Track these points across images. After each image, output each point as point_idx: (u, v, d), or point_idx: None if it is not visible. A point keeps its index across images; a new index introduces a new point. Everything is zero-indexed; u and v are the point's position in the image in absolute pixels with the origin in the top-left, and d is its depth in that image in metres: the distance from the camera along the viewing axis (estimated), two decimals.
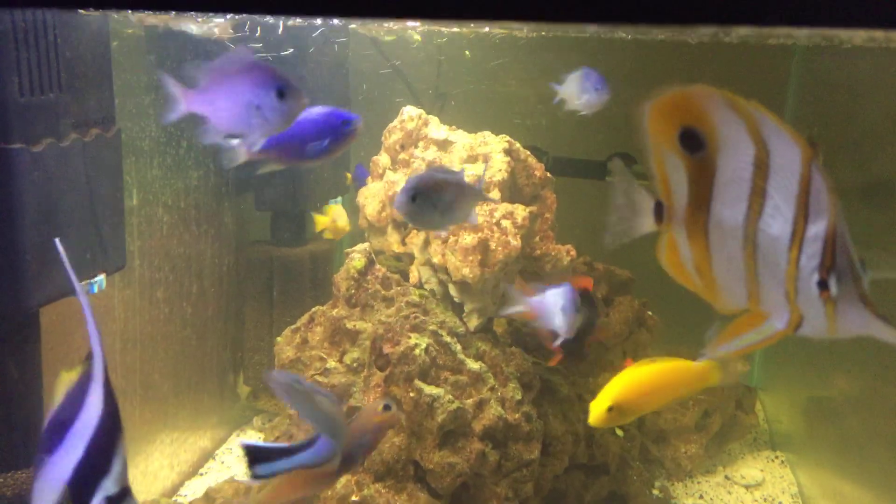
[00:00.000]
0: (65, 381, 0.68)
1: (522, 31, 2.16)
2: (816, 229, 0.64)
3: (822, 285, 0.64)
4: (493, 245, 1.56)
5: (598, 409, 1.24)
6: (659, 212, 0.74)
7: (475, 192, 1.23)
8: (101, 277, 1.19)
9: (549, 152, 2.59)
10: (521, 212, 1.64)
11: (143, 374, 1.65)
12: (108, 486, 0.64)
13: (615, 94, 2.88)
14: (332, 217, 2.04)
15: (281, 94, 0.97)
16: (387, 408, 1.10)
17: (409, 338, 1.46)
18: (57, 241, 0.74)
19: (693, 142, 0.69)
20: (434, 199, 1.11)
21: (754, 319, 0.71)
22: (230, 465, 1.95)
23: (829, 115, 2.28)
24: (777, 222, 0.66)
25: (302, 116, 1.08)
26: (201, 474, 1.89)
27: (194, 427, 1.92)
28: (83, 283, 1.16)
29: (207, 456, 1.97)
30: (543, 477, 1.72)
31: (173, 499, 1.71)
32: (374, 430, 1.09)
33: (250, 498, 1.23)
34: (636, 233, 0.76)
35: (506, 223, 1.61)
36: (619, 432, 2.02)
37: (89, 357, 0.67)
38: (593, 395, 2.02)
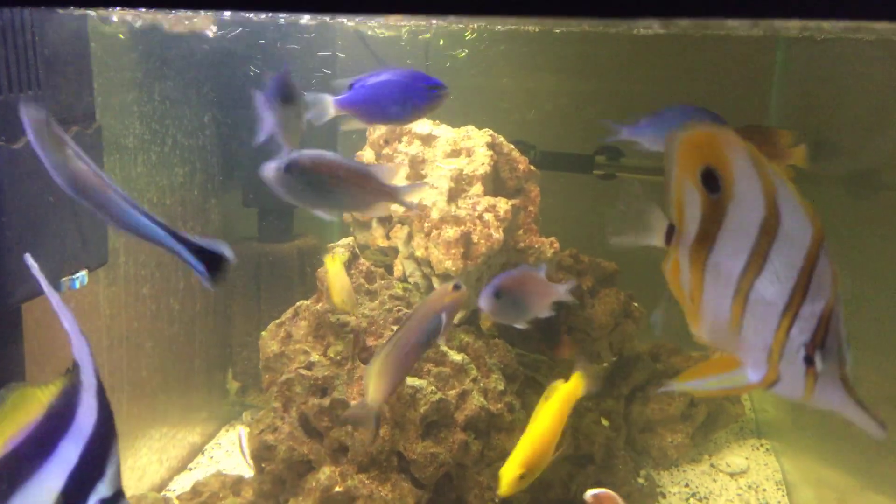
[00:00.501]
0: (38, 398, 0.67)
1: (503, 25, 2.17)
2: (814, 308, 0.67)
3: (809, 360, 0.67)
4: (475, 238, 1.58)
5: (508, 477, 1.23)
6: (670, 234, 0.78)
7: (549, 289, 1.23)
8: (83, 273, 1.20)
9: (536, 146, 2.61)
10: (503, 205, 1.65)
11: (130, 371, 1.66)
12: (101, 490, 0.65)
13: (605, 86, 2.90)
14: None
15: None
16: (456, 287, 1.17)
17: (392, 330, 1.47)
18: (27, 256, 0.73)
19: (712, 182, 0.72)
20: (515, 296, 1.16)
21: (727, 363, 0.74)
22: (219, 459, 1.96)
23: (813, 106, 2.30)
24: (773, 288, 0.69)
25: (388, 77, 1.16)
26: (190, 469, 1.91)
27: (183, 423, 1.93)
28: (65, 279, 1.17)
29: (196, 451, 1.98)
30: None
31: (162, 493, 1.73)
32: (449, 308, 1.16)
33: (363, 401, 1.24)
34: (642, 243, 0.81)
35: (488, 216, 1.62)
36: (605, 422, 2.04)
37: (73, 369, 0.66)
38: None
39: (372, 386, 1.13)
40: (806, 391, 0.68)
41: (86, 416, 0.65)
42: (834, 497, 1.71)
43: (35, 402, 0.66)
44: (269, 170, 1.06)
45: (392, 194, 1.12)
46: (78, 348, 0.66)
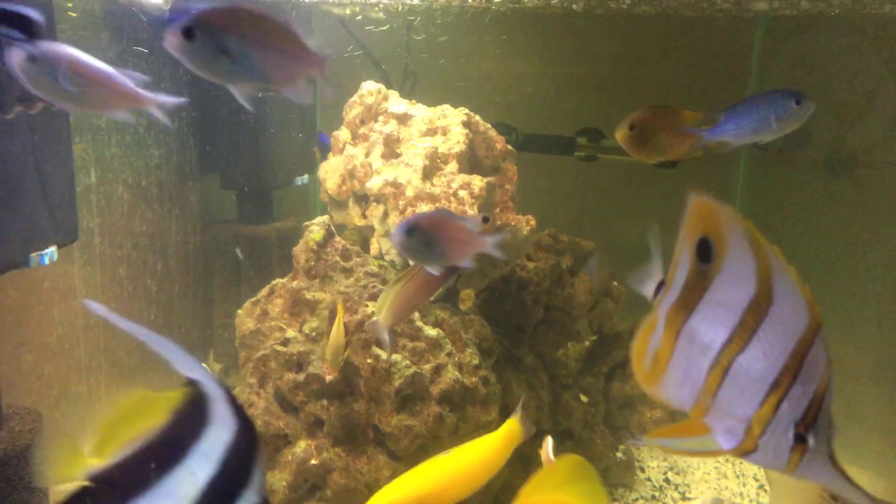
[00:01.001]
0: (160, 404, 0.64)
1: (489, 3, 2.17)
2: (806, 388, 0.69)
3: (800, 438, 0.68)
4: None
5: None
6: (658, 289, 0.79)
7: (473, 239, 1.17)
8: (52, 249, 1.20)
9: (517, 128, 2.61)
10: (478, 182, 1.66)
11: (108, 351, 1.66)
12: (250, 497, 0.64)
13: (587, 68, 2.90)
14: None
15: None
16: (485, 220, 1.19)
17: (367, 306, 1.48)
18: (155, 338, 0.67)
19: (706, 252, 0.73)
20: (429, 237, 1.10)
21: (695, 428, 0.75)
22: None
23: (791, 86, 2.32)
24: (760, 365, 0.70)
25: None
26: None
27: None
28: (34, 254, 1.17)
29: None
30: None
31: None
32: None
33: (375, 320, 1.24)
34: (640, 291, 0.81)
35: (463, 193, 1.63)
36: (584, 398, 2.07)
37: (190, 383, 0.65)
38: (556, 364, 2.07)
39: (386, 308, 1.14)
40: (789, 465, 0.70)
41: (221, 425, 0.63)
42: None
43: (158, 408, 0.65)
44: (170, 35, 0.85)
45: (315, 62, 0.95)
46: (190, 366, 0.64)
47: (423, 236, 1.10)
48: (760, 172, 2.64)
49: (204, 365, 0.60)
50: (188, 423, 0.63)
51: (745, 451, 0.72)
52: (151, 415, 0.63)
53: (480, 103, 2.00)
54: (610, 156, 2.57)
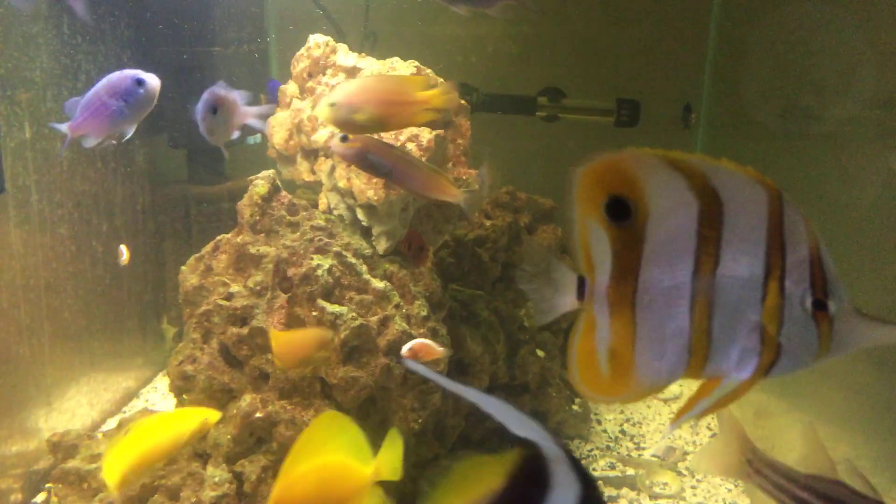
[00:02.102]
0: (492, 468, 0.59)
1: None
2: (799, 254, 0.63)
3: (819, 305, 0.62)
4: None
5: (111, 479, 1.05)
6: (581, 288, 0.68)
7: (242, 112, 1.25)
8: None
9: (478, 88, 2.58)
10: (426, 134, 1.63)
11: (49, 311, 1.63)
12: None
13: (550, 29, 2.87)
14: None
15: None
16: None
17: (312, 259, 1.46)
18: (485, 399, 0.59)
19: (619, 210, 0.65)
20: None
21: (705, 387, 0.67)
22: (154, 402, 1.95)
23: (750, 52, 2.31)
24: (743, 263, 0.63)
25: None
26: (124, 412, 1.90)
27: (116, 367, 1.91)
28: None
29: (132, 395, 1.97)
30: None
31: (95, 434, 1.71)
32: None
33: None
34: (559, 311, 0.70)
35: (410, 146, 1.61)
36: (540, 353, 2.08)
37: (525, 444, 0.58)
38: (513, 320, 2.07)
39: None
40: (823, 345, 0.63)
41: (565, 488, 0.57)
42: (752, 412, 1.78)
43: (492, 472, 0.60)
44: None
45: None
46: (526, 426, 0.57)
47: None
48: (719, 141, 2.64)
49: (537, 426, 0.55)
50: (527, 487, 0.58)
51: (769, 365, 0.65)
52: (486, 480, 0.58)
53: (442, 64, 1.97)
54: (571, 115, 2.56)
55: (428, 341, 1.29)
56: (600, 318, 0.67)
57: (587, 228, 0.66)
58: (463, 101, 1.90)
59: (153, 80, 1.21)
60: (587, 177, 0.66)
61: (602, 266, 0.67)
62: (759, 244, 0.63)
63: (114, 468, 1.04)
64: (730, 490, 1.74)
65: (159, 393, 2.00)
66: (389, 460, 0.93)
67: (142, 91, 1.17)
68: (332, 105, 1.22)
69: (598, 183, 0.65)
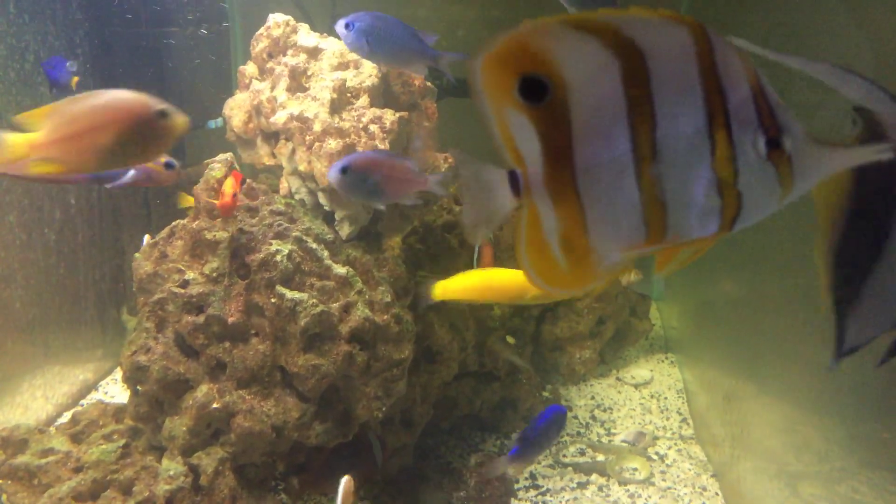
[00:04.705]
0: None
1: None
2: (740, 93, 0.56)
3: (773, 143, 0.57)
4: (360, 150, 1.52)
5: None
6: (515, 182, 0.62)
7: (413, 176, 1.16)
8: None
9: (448, 72, 2.54)
10: (389, 116, 1.59)
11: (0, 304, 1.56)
12: None
13: (513, 13, 2.83)
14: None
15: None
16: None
17: (271, 244, 1.42)
18: None
19: (535, 90, 0.58)
20: (366, 175, 1.11)
21: (667, 253, 0.62)
22: (114, 394, 1.90)
23: (724, 19, 2.29)
24: (682, 119, 0.57)
25: None
26: (82, 405, 1.84)
27: (73, 359, 1.85)
28: None
29: (90, 388, 1.91)
30: (431, 385, 1.74)
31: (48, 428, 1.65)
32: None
33: None
34: (499, 216, 0.64)
35: (373, 128, 1.56)
36: (511, 340, 2.06)
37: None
38: (483, 307, 2.04)
39: None
40: (785, 184, 0.57)
41: None
42: (721, 395, 1.77)
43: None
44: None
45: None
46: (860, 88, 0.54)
47: (359, 174, 1.09)
48: None
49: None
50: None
51: (732, 219, 0.59)
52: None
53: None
54: None
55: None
56: (543, 209, 0.62)
57: (505, 117, 0.60)
58: (428, 83, 1.86)
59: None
60: (490, 63, 0.59)
61: (531, 154, 0.61)
62: (694, 92, 0.57)
63: None
64: (699, 475, 1.73)
65: (119, 385, 1.94)
66: None
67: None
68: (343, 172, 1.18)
69: (504, 66, 0.59)
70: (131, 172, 1.14)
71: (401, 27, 1.20)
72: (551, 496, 1.64)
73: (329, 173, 1.10)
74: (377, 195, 1.10)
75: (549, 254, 0.63)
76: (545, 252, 0.63)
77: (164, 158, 1.13)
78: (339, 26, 1.19)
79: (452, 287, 1.38)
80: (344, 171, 1.08)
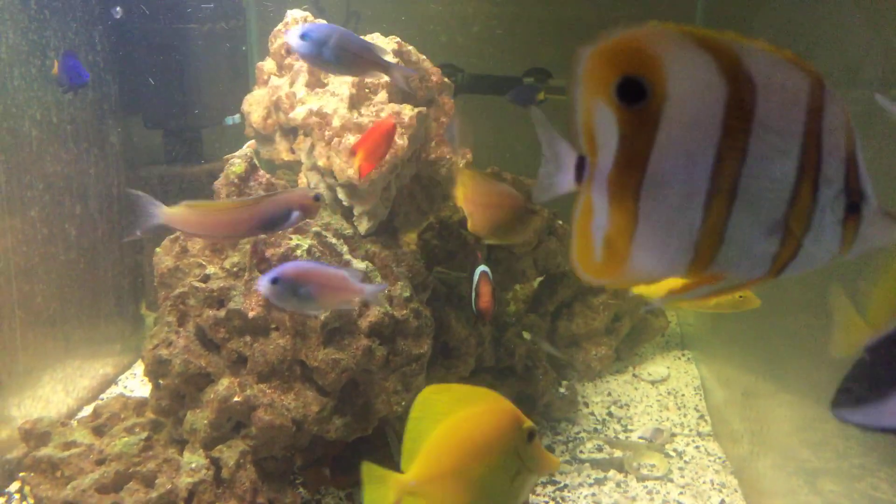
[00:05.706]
0: None
1: None
2: (837, 155, 0.57)
3: (853, 208, 0.58)
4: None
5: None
6: (580, 169, 0.62)
7: (347, 286, 1.16)
8: None
9: (464, 69, 2.54)
10: (408, 111, 1.59)
11: (20, 295, 1.58)
12: None
13: (537, 9, 2.82)
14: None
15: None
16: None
17: (291, 239, 1.42)
18: None
19: (633, 91, 0.58)
20: (295, 286, 1.11)
21: (703, 280, 0.62)
22: (133, 389, 1.91)
23: (736, 18, 2.27)
24: (774, 163, 0.57)
25: None
26: (102, 399, 1.85)
27: (93, 353, 1.87)
28: None
29: (109, 382, 1.92)
30: (448, 380, 1.74)
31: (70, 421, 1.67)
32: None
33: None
34: (558, 190, 0.64)
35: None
36: (526, 335, 2.06)
37: None
38: (500, 302, 2.04)
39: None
40: (843, 247, 0.59)
41: None
42: (739, 392, 1.76)
43: None
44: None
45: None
46: None
47: (289, 285, 1.09)
48: None
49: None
50: None
51: (781, 267, 0.59)
52: None
53: (426, 44, 1.93)
54: (558, 96, 2.52)
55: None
56: (598, 205, 0.61)
57: (593, 107, 0.59)
58: (446, 79, 1.86)
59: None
60: (598, 54, 0.58)
61: (606, 148, 0.60)
62: (794, 141, 0.56)
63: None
64: (717, 471, 1.72)
65: (138, 379, 1.96)
66: None
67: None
68: (273, 282, 1.14)
69: (611, 61, 0.58)
70: (296, 214, 1.19)
71: (355, 39, 1.24)
72: (569, 492, 1.64)
73: (259, 283, 1.10)
74: (309, 305, 1.12)
75: (591, 244, 0.63)
76: (588, 241, 0.63)
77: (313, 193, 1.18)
78: (292, 36, 1.19)
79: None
80: (274, 281, 1.08)
